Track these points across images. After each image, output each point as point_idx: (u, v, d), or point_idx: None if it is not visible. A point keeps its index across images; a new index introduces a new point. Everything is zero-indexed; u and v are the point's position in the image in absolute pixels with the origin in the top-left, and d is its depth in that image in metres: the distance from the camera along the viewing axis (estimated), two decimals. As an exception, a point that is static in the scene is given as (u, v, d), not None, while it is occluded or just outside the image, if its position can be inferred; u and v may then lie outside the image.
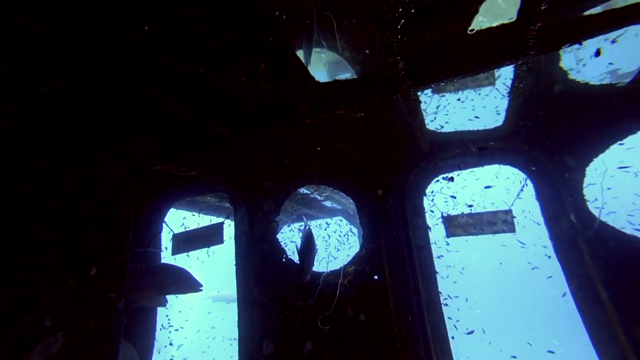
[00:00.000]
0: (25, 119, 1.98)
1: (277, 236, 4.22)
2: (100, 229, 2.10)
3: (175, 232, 4.43)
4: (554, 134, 3.65)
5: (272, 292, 3.80)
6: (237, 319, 3.60)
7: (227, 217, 5.38)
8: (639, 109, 3.05)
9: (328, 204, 7.67)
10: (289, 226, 8.93)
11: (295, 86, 2.79)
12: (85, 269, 1.93)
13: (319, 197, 7.04)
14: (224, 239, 4.18)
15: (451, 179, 4.58)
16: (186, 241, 4.34)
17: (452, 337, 4.09)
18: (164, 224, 4.22)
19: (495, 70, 4.12)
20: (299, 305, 3.91)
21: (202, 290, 4.03)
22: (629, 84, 3.06)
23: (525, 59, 2.45)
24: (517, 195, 4.39)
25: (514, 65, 2.70)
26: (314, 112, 3.26)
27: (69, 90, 2.21)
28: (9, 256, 1.74)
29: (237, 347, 3.43)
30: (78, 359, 1.76)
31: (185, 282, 3.86)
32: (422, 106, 4.57)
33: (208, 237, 4.34)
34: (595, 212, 3.45)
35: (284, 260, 4.07)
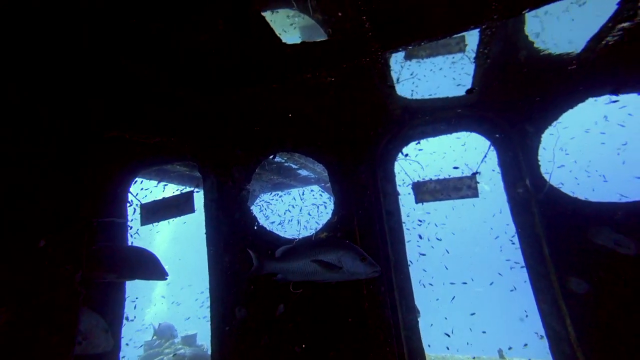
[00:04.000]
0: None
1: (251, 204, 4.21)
2: (49, 198, 1.99)
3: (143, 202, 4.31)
4: (516, 102, 3.75)
5: (244, 258, 3.86)
6: (208, 287, 3.66)
7: (197, 186, 5.28)
8: (586, 78, 3.17)
9: (303, 172, 7.68)
10: (261, 197, 8.92)
11: (261, 46, 2.66)
12: (31, 241, 1.84)
13: (293, 166, 7.02)
14: (195, 208, 4.12)
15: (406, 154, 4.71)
16: (155, 211, 4.25)
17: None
18: (129, 194, 4.08)
19: (465, 35, 4.10)
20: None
21: (166, 279, 3.95)
22: (579, 53, 3.15)
23: (489, 23, 2.44)
24: (482, 161, 4.57)
25: (479, 30, 2.69)
26: (282, 75, 3.15)
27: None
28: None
29: (210, 314, 3.52)
30: (28, 333, 1.73)
31: (150, 269, 3.74)
32: (398, 73, 4.52)
33: (178, 206, 4.26)
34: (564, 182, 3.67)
35: (255, 227, 4.10)
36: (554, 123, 3.62)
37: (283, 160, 6.31)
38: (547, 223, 3.45)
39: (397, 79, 4.59)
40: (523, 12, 2.32)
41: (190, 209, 4.14)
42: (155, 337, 11.53)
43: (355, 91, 4.01)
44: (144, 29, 2.08)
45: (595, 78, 3.15)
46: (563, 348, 3.20)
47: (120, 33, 2.08)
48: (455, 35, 4.28)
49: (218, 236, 3.82)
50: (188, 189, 5.58)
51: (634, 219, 2.88)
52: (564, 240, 3.27)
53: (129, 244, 4.02)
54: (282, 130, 4.38)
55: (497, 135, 4.27)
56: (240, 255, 3.90)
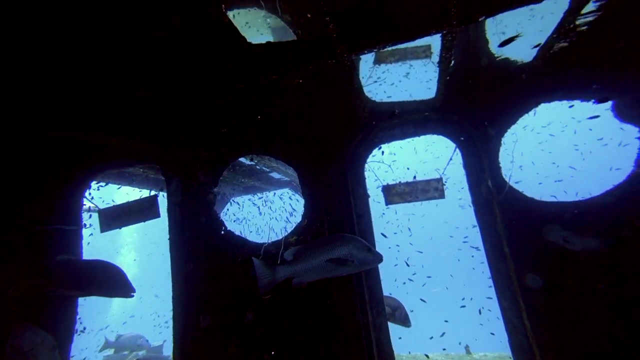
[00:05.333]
0: None
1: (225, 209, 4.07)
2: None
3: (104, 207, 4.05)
4: (479, 105, 3.91)
5: (210, 265, 3.73)
6: (171, 295, 3.49)
7: (161, 190, 5.05)
8: (538, 84, 3.36)
9: (276, 175, 7.59)
10: (231, 202, 8.72)
11: (222, 46, 2.58)
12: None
13: (265, 169, 6.91)
14: (160, 212, 3.92)
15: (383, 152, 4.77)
16: (115, 217, 4.01)
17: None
18: (85, 199, 3.82)
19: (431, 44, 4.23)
20: (239, 278, 3.90)
21: (133, 296, 3.72)
22: (531, 61, 3.34)
23: (450, 28, 2.52)
24: (447, 164, 4.72)
25: (440, 36, 2.78)
26: (247, 76, 3.08)
27: None
28: None
29: (172, 323, 3.35)
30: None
31: (114, 285, 3.49)
32: (366, 78, 4.57)
33: (141, 211, 4.05)
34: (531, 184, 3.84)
35: (222, 232, 3.97)
36: (512, 126, 3.81)
37: (254, 163, 6.20)
38: (507, 223, 3.61)
39: (366, 82, 4.65)
40: (479, 20, 2.42)
41: (155, 214, 3.94)
42: (113, 351, 10.06)
43: (324, 93, 4.00)
44: (87, 20, 1.94)
45: (545, 85, 3.35)
46: (520, 340, 3.35)
47: (57, 25, 1.92)
48: (422, 43, 4.43)
49: (182, 241, 3.66)
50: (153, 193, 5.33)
51: (579, 217, 3.07)
52: (521, 239, 3.43)
53: (84, 250, 3.76)
54: (250, 132, 4.29)
55: (462, 138, 4.43)
56: (205, 262, 3.76)
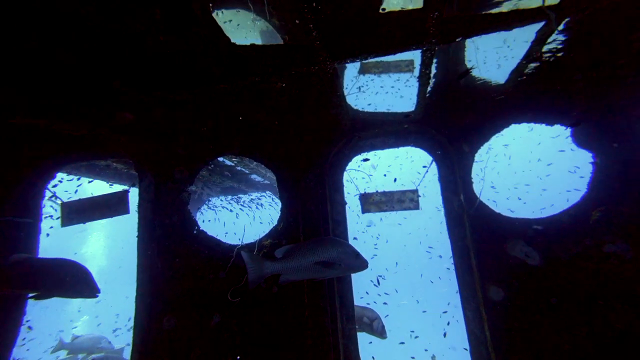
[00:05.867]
0: None
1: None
2: None
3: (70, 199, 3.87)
4: (455, 122, 4.07)
5: (179, 265, 3.63)
6: (135, 294, 3.36)
7: (133, 185, 4.88)
8: (509, 106, 3.55)
9: (256, 178, 7.52)
10: (209, 203, 8.56)
11: (204, 44, 2.56)
12: None
13: (245, 171, 6.84)
14: (130, 209, 3.79)
15: (366, 159, 4.84)
16: (80, 211, 3.83)
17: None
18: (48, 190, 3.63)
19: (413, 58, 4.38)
20: (209, 279, 3.82)
21: (98, 296, 3.57)
22: (503, 84, 3.53)
23: (429, 46, 2.62)
24: (423, 176, 4.86)
25: (421, 52, 2.88)
26: (230, 76, 3.07)
27: None
28: None
29: (133, 324, 3.21)
30: None
31: (78, 285, 3.31)
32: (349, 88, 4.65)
33: (109, 206, 3.89)
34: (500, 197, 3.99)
35: (195, 232, 3.89)
36: (485, 144, 3.99)
37: (233, 164, 6.12)
38: (475, 236, 3.74)
39: (349, 92, 4.73)
40: (456, 40, 2.54)
41: (124, 210, 3.80)
42: (66, 353, 9.22)
43: (306, 99, 4.04)
44: (70, 14, 1.88)
45: (515, 107, 3.53)
46: (481, 351, 3.45)
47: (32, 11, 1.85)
48: (405, 58, 4.57)
49: (151, 239, 3.55)
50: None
51: (539, 233, 3.23)
52: (487, 252, 3.56)
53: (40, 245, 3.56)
54: (231, 132, 4.26)
55: (438, 152, 4.59)
56: (175, 261, 3.65)
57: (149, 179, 3.62)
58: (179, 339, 3.34)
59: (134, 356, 3.15)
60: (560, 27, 2.39)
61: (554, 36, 2.52)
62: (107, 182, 4.97)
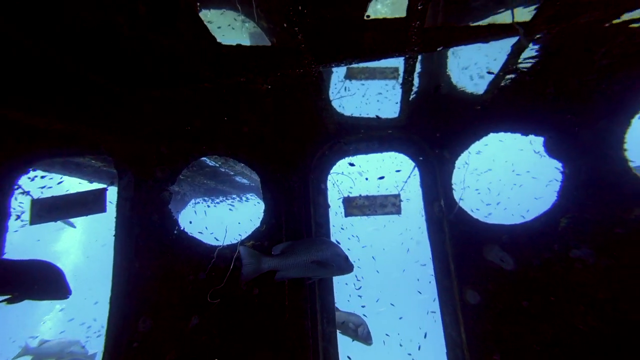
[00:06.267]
0: None
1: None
2: None
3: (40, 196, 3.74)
4: (437, 129, 4.18)
5: (158, 265, 3.56)
6: (110, 294, 3.26)
7: (111, 184, 4.75)
8: (487, 116, 3.69)
9: (242, 180, 7.47)
10: (196, 204, 8.44)
11: (189, 42, 2.56)
12: None
13: (230, 172, 6.78)
14: (106, 207, 3.69)
15: (352, 164, 4.90)
16: (52, 208, 3.70)
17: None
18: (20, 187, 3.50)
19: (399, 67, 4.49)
20: (189, 280, 3.76)
21: (69, 297, 3.44)
22: (482, 94, 3.67)
23: (411, 54, 2.71)
24: (405, 182, 4.95)
25: (404, 59, 2.97)
26: (215, 76, 3.06)
27: None
28: None
29: (106, 326, 3.12)
30: None
31: (49, 287, 3.17)
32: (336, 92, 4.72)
33: (85, 204, 3.78)
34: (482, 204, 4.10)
35: (175, 232, 3.83)
36: (465, 151, 4.11)
37: (217, 165, 6.06)
38: (454, 241, 3.83)
39: (335, 96, 4.80)
40: (437, 49, 2.63)
41: (101, 208, 3.70)
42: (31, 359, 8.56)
43: (292, 102, 4.07)
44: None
45: (493, 117, 3.67)
46: (456, 353, 3.53)
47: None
48: (390, 65, 4.68)
49: (129, 239, 3.47)
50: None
51: (513, 238, 3.35)
52: (465, 257, 3.65)
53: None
54: (216, 132, 4.23)
55: (421, 158, 4.69)
56: (154, 261, 3.58)
57: (129, 177, 3.55)
58: (154, 341, 3.26)
59: (105, 358, 3.05)
60: (532, 44, 2.52)
61: (528, 51, 2.65)
62: (87, 180, 4.83)
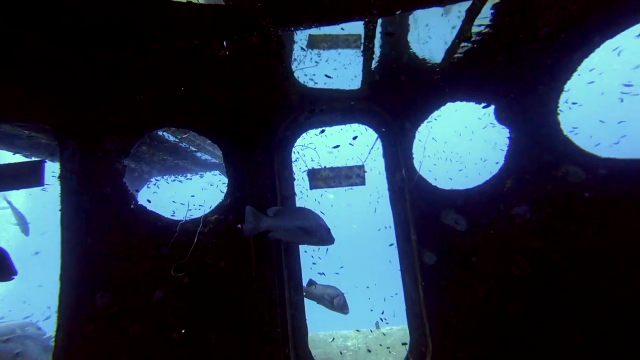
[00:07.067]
0: None
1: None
2: None
3: None
4: (398, 100, 4.25)
5: (114, 240, 3.39)
6: (60, 271, 3.08)
7: (51, 156, 4.36)
8: (445, 85, 3.81)
9: (204, 156, 7.19)
10: (158, 180, 8.05)
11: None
12: None
13: (192, 147, 6.49)
14: (44, 181, 3.39)
15: (323, 130, 4.89)
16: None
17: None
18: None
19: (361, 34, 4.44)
20: (150, 255, 3.64)
21: (13, 278, 3.21)
22: (440, 63, 3.77)
23: (370, 17, 2.68)
24: (369, 153, 5.05)
25: (364, 24, 2.94)
26: (164, 36, 2.84)
27: None
28: None
29: (58, 303, 2.96)
30: None
31: None
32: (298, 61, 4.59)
33: (18, 176, 3.44)
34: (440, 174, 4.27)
35: (132, 206, 3.64)
36: (425, 121, 4.24)
37: (177, 140, 5.77)
38: (414, 207, 4.02)
39: (298, 66, 4.68)
40: (396, 13, 2.62)
41: (38, 181, 3.39)
42: None
43: (252, 70, 3.91)
44: None
45: (450, 86, 3.80)
46: (415, 309, 3.80)
47: None
48: (353, 32, 4.62)
49: (78, 213, 3.25)
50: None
51: (467, 202, 3.59)
52: (424, 222, 3.85)
53: None
54: (172, 103, 3.99)
55: (383, 129, 4.78)
56: (109, 236, 3.40)
57: (73, 148, 3.27)
58: (114, 315, 3.16)
59: (59, 335, 2.92)
60: (485, 8, 2.60)
61: (481, 17, 2.73)
62: (23, 155, 4.38)
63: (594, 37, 3.03)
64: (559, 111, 3.17)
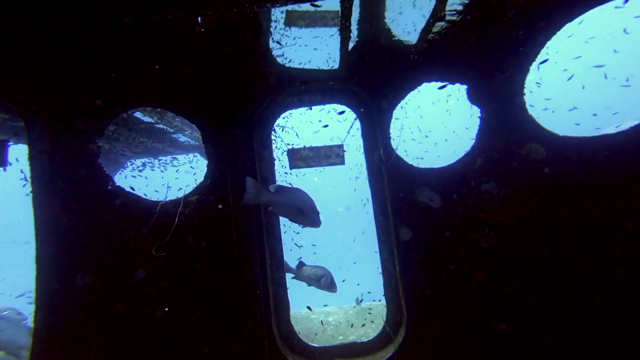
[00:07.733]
0: None
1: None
2: None
3: None
4: (375, 80, 4.29)
5: (92, 220, 3.36)
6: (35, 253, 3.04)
7: (15, 136, 4.19)
8: (420, 65, 3.88)
9: (181, 138, 7.05)
10: (132, 164, 7.85)
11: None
12: None
13: (169, 129, 6.35)
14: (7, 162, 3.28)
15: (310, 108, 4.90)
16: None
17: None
18: None
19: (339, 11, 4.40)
20: (130, 235, 3.64)
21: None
22: (415, 43, 3.82)
23: (346, -6, 2.67)
24: (348, 132, 5.12)
25: (340, 1, 2.92)
26: (134, 9, 2.74)
27: None
28: None
29: (35, 285, 2.95)
30: None
31: None
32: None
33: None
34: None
35: (109, 187, 3.60)
36: (402, 102, 4.33)
37: (153, 121, 5.63)
38: (391, 186, 4.16)
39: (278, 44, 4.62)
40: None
41: (1, 162, 3.28)
42: None
43: (229, 49, 3.84)
44: None
45: (425, 66, 3.87)
46: (391, 282, 4.02)
47: None
48: (331, 9, 4.57)
49: (52, 194, 3.18)
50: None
51: (441, 180, 3.76)
52: (401, 199, 4.01)
53: None
54: (148, 82, 3.87)
55: (361, 110, 4.84)
56: (86, 216, 3.36)
57: (41, 127, 3.16)
58: (96, 295, 3.19)
59: (39, 316, 2.93)
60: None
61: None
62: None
63: (555, 20, 3.16)
64: (524, 92, 3.33)
